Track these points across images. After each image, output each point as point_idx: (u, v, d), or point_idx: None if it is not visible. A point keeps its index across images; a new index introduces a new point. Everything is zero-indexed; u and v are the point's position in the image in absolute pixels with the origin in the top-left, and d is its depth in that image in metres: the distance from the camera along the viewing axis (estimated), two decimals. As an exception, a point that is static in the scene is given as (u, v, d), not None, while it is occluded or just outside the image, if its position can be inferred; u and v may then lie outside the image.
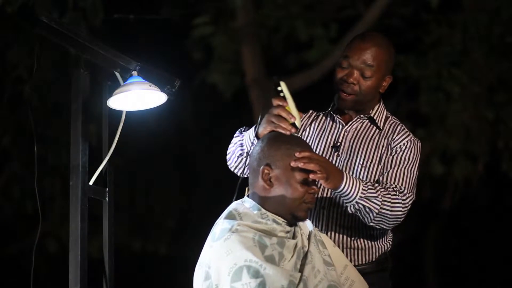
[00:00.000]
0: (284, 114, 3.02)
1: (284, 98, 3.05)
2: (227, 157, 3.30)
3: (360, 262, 3.20)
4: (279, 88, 3.06)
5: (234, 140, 3.26)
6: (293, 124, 3.03)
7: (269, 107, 3.10)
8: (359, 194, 3.01)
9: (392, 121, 3.29)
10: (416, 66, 7.45)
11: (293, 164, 2.87)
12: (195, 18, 7.49)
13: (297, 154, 2.89)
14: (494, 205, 9.40)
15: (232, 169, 3.31)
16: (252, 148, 3.07)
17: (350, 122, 3.28)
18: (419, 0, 7.53)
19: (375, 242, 3.23)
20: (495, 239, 9.42)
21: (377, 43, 3.22)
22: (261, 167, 2.90)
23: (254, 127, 3.14)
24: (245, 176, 3.25)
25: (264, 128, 3.06)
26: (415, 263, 9.82)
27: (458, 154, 7.67)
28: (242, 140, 3.20)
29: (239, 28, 7.42)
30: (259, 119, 3.10)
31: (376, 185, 3.08)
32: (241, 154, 3.21)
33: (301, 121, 3.36)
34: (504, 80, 7.60)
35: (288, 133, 3.00)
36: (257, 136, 3.09)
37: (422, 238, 9.89)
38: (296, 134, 3.05)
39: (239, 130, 3.28)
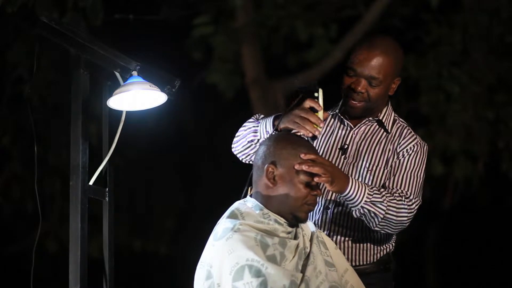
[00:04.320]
0: (313, 119, 2.98)
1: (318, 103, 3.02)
2: (235, 139, 3.26)
3: (362, 263, 3.21)
4: (315, 94, 3.01)
5: (247, 124, 3.22)
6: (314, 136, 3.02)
7: (285, 106, 3.07)
8: (365, 198, 3.01)
9: (399, 124, 3.29)
10: (416, 66, 7.44)
11: (297, 166, 2.88)
12: (195, 18, 7.48)
13: (302, 156, 2.89)
14: (494, 205, 9.40)
15: (236, 153, 3.27)
16: (265, 136, 3.07)
17: (358, 125, 3.28)
18: (419, 0, 7.52)
19: (379, 243, 3.23)
20: (495, 239, 9.42)
21: (383, 49, 3.17)
22: (266, 165, 2.91)
23: (273, 117, 3.10)
24: (245, 162, 3.26)
25: (284, 125, 3.03)
26: (415, 263, 9.81)
27: (458, 154, 7.66)
28: (257, 127, 3.15)
29: (239, 28, 7.42)
30: (279, 113, 3.07)
31: (382, 190, 3.09)
32: (252, 140, 3.17)
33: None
34: (504, 80, 7.59)
35: (309, 134, 2.97)
36: (276, 129, 3.06)
37: (422, 238, 9.89)
38: (316, 139, 3.03)
39: (254, 116, 3.24)
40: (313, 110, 3.01)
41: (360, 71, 3.16)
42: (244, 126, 3.23)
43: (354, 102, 3.20)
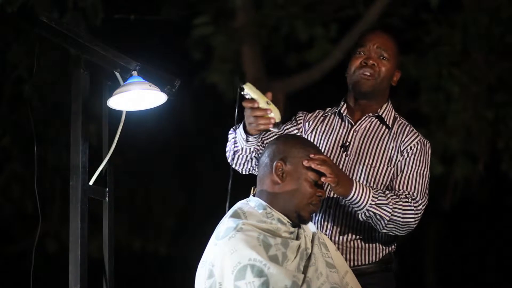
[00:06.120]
0: (258, 113, 2.96)
1: (252, 99, 2.97)
2: (226, 154, 3.28)
3: (364, 262, 3.20)
4: (243, 93, 2.96)
5: (229, 137, 3.24)
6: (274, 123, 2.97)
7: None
8: (369, 201, 3.02)
9: (400, 122, 3.30)
10: (416, 66, 7.45)
11: (306, 163, 2.91)
12: (195, 18, 7.49)
13: (312, 156, 2.93)
14: (494, 205, 9.41)
15: (232, 166, 3.30)
16: (244, 144, 3.08)
17: (359, 121, 3.28)
18: (419, 0, 7.53)
19: (381, 243, 3.23)
20: (495, 239, 9.43)
21: (387, 33, 3.29)
22: (275, 162, 2.94)
23: (242, 124, 3.09)
24: (245, 173, 3.26)
25: (249, 129, 3.03)
26: (415, 263, 9.82)
27: (458, 154, 7.67)
28: (235, 137, 3.18)
29: (239, 28, 7.42)
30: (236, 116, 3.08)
31: (387, 192, 3.09)
32: (236, 151, 3.19)
33: (302, 118, 3.36)
34: (504, 80, 7.60)
35: (271, 126, 2.96)
36: (247, 132, 3.06)
37: (422, 238, 9.90)
38: (279, 124, 3.01)
39: (233, 127, 3.26)
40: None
41: (371, 46, 3.22)
42: (228, 139, 3.25)
43: (366, 74, 3.21)
